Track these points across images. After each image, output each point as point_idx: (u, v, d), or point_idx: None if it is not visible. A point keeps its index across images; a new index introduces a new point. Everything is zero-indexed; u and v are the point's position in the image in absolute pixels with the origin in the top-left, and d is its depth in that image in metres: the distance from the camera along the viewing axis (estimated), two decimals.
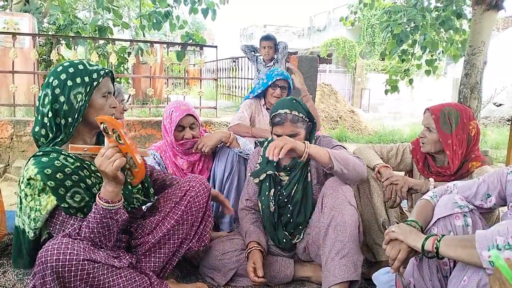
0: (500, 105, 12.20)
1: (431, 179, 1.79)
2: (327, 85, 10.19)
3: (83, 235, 1.33)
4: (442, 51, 6.92)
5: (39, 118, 1.42)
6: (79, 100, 1.39)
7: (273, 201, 1.86)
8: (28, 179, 1.33)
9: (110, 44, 5.01)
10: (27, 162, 1.38)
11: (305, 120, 1.82)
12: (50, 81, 1.40)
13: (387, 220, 1.93)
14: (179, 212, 1.63)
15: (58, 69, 1.41)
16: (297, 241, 1.89)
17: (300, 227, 1.87)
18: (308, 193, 1.86)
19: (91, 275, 1.28)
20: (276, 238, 1.89)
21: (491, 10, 4.62)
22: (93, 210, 1.32)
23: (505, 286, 0.79)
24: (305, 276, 1.88)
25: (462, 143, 1.81)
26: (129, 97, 5.00)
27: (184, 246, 1.68)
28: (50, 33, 6.90)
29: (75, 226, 1.35)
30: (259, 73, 4.37)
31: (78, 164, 1.40)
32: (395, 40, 6.33)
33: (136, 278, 1.44)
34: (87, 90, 1.40)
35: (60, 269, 1.22)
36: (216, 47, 5.30)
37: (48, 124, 1.40)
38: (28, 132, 3.97)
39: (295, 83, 3.03)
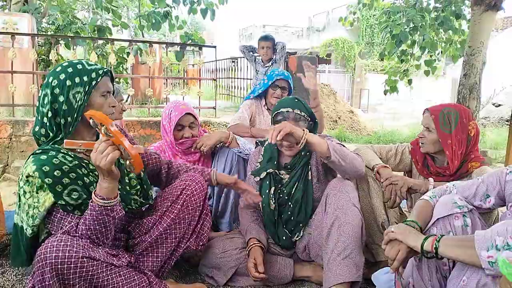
0: (499, 105, 12.19)
1: (431, 179, 1.79)
2: (326, 85, 10.17)
3: (80, 232, 1.33)
4: (441, 52, 6.93)
5: (39, 118, 1.43)
6: (78, 99, 1.40)
7: (273, 199, 1.87)
8: (26, 177, 1.34)
9: (109, 44, 5.01)
10: (27, 160, 1.38)
11: (307, 119, 1.83)
12: (50, 81, 1.40)
13: (387, 220, 1.93)
14: (176, 211, 1.63)
15: (57, 69, 1.42)
16: (296, 238, 1.89)
17: (301, 225, 1.88)
18: (308, 192, 1.87)
19: (90, 273, 1.28)
20: (276, 236, 1.90)
21: (490, 11, 4.63)
22: (89, 207, 1.32)
23: None
24: (304, 276, 1.88)
25: (462, 144, 1.81)
26: (128, 97, 5.00)
27: (182, 245, 1.68)
28: (49, 33, 6.88)
29: (72, 223, 1.36)
30: (257, 73, 4.37)
31: (76, 162, 1.40)
32: (394, 40, 6.33)
33: (135, 277, 1.44)
34: (86, 90, 1.41)
35: (59, 266, 1.22)
36: (215, 47, 5.30)
37: (48, 123, 1.41)
38: (27, 132, 3.96)
39: (305, 83, 2.58)
